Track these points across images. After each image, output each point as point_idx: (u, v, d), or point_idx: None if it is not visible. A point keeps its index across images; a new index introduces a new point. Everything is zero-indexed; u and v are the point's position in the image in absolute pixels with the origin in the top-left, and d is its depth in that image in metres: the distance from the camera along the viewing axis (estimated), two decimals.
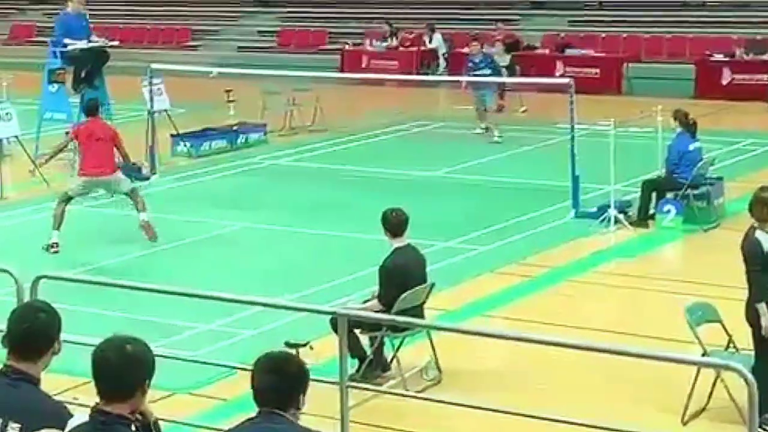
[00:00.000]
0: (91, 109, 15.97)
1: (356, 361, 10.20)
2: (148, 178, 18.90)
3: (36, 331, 5.22)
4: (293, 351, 9.13)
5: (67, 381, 9.08)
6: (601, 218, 15.71)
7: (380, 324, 10.08)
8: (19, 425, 5.07)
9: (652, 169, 16.61)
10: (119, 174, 15.62)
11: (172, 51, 35.18)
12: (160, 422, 5.13)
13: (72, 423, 4.96)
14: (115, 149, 15.63)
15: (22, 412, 5.10)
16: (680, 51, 30.16)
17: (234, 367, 9.43)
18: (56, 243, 14.80)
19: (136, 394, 4.87)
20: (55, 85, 20.12)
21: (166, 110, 21.20)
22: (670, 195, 15.89)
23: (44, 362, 5.25)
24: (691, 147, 15.98)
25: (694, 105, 21.70)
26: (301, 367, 5.17)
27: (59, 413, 5.13)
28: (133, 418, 4.89)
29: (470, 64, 23.11)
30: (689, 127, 16.07)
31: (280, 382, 5.04)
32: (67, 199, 15.18)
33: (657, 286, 13.50)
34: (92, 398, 5.04)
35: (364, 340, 10.46)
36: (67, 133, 16.72)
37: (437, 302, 11.30)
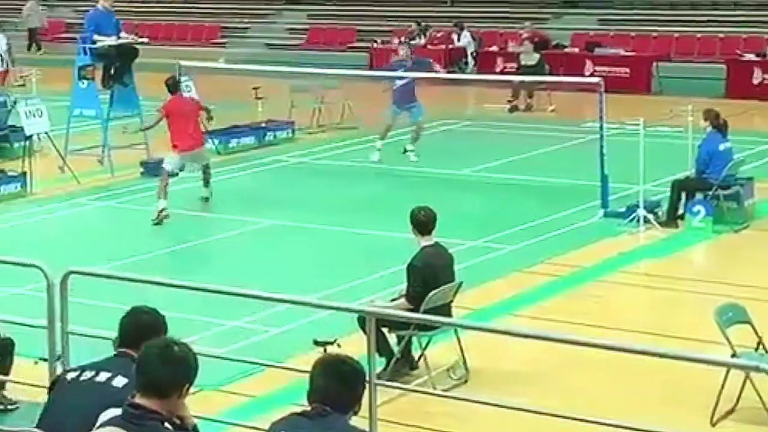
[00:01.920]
0: (173, 85, 16.43)
1: (384, 360, 10.19)
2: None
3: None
4: (321, 348, 9.19)
5: None
6: (630, 218, 15.64)
7: (408, 322, 10.07)
8: None
9: (682, 169, 16.51)
10: (206, 146, 16.81)
11: (201, 48, 35.29)
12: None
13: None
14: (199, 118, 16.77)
15: None
16: (711, 50, 30.00)
17: (262, 364, 9.45)
18: (164, 209, 15.54)
19: (173, 395, 4.88)
20: (85, 82, 20.18)
21: None
22: (699, 195, 15.80)
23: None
24: (722, 147, 15.89)
25: (725, 105, 21.58)
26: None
27: None
28: (168, 417, 4.89)
29: (402, 71, 20.12)
30: (720, 127, 15.98)
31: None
32: (167, 173, 15.89)
33: (686, 286, 13.43)
34: None
35: (391, 338, 10.46)
36: (158, 110, 17.16)
37: (465, 301, 11.28)
